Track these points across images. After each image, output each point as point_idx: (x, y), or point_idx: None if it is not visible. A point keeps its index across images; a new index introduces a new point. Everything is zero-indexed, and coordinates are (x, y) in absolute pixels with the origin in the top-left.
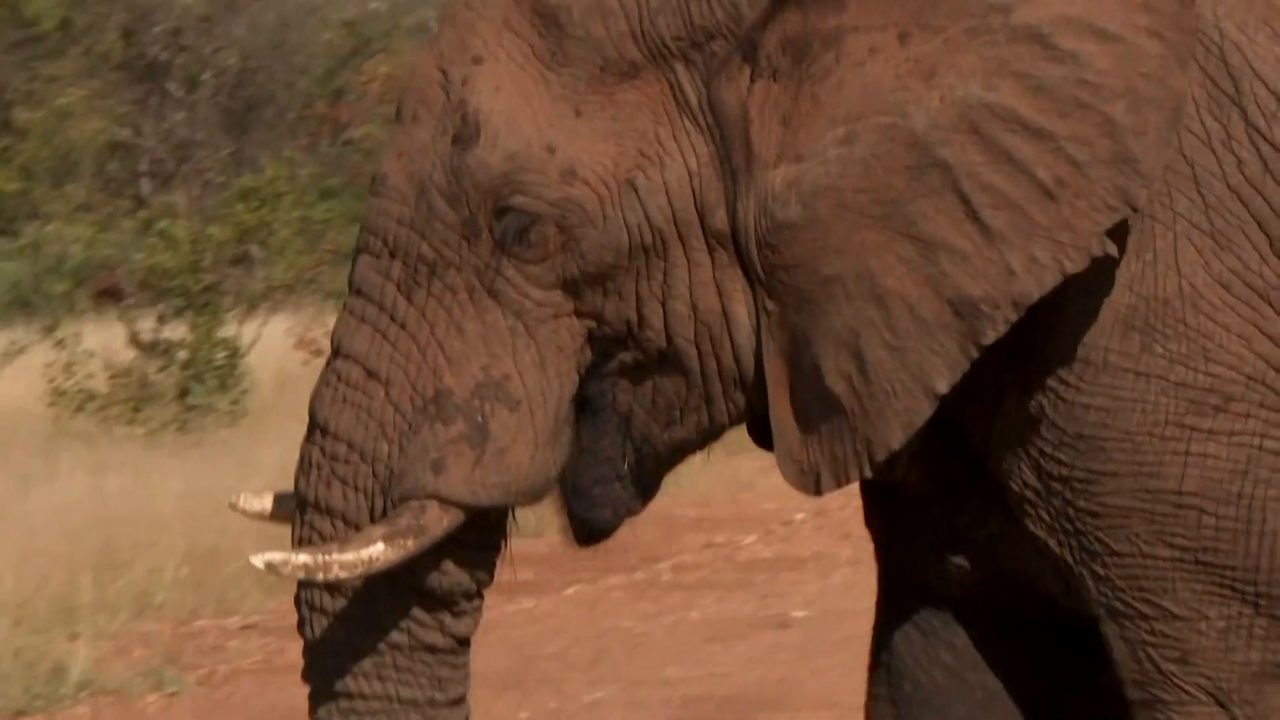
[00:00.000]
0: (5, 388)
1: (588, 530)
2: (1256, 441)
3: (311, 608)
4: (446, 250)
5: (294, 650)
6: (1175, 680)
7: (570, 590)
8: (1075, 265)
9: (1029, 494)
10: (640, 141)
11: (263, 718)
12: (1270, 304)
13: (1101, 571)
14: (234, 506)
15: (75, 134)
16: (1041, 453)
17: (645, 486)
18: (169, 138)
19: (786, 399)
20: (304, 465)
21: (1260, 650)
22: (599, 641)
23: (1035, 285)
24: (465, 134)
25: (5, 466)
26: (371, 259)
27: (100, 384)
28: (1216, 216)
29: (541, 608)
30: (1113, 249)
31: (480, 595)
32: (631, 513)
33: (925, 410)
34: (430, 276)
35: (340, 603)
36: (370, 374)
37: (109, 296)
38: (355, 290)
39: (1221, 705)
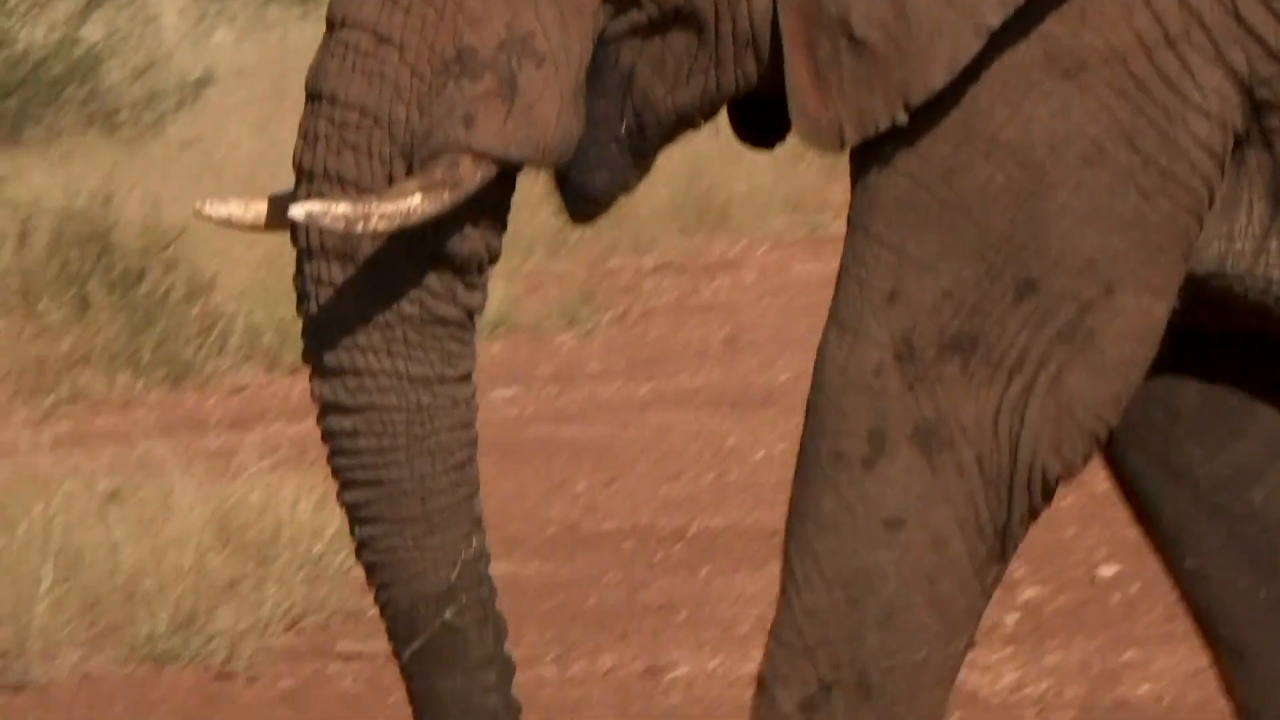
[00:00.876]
0: None
1: (583, 199)
2: (1083, 122)
3: (318, 282)
4: None
5: (707, 290)
6: (868, 311)
7: None
8: None
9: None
10: None
11: (675, 356)
12: None
13: (876, 183)
14: (198, 213)
15: None
16: None
17: (641, 155)
18: None
19: (802, 54)
20: (308, 139)
21: (964, 319)
22: None
23: None
24: None
25: None
26: None
27: None
28: None
29: None
30: None
31: (488, 268)
32: (627, 186)
33: (973, 47)
34: None
35: (350, 275)
36: (382, 40)
37: None
38: None
39: (897, 357)
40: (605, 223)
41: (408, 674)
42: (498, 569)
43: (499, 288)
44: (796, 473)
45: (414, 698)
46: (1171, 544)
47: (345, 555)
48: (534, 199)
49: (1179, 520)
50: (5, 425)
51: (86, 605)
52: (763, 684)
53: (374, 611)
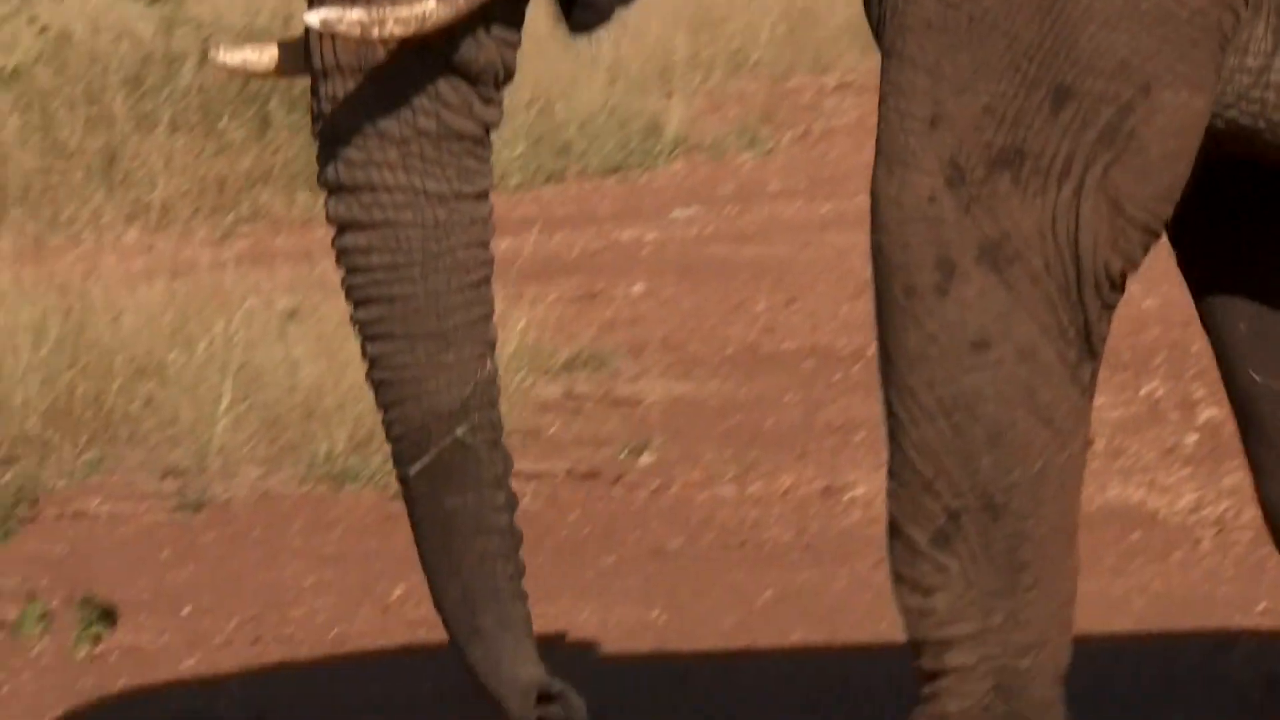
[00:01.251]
0: None
1: (581, 7)
2: None
3: (333, 100)
4: None
5: None
6: (913, 140)
7: None
8: None
9: None
10: None
11: (855, 175)
12: None
13: (904, 8)
14: (212, 61)
15: None
16: None
17: None
18: None
19: None
20: None
21: (1007, 133)
22: None
23: None
24: None
25: None
26: None
27: None
28: None
29: None
30: None
31: (504, 84)
32: None
33: None
34: None
35: (365, 90)
36: None
37: None
38: None
39: (948, 182)
40: (786, 41)
41: (412, 495)
42: (677, 389)
43: (679, 108)
44: (876, 314)
45: (417, 519)
46: (1246, 355)
47: (524, 374)
48: (715, 19)
49: (1255, 330)
50: (186, 243)
51: (266, 424)
52: (894, 527)
53: (554, 430)
